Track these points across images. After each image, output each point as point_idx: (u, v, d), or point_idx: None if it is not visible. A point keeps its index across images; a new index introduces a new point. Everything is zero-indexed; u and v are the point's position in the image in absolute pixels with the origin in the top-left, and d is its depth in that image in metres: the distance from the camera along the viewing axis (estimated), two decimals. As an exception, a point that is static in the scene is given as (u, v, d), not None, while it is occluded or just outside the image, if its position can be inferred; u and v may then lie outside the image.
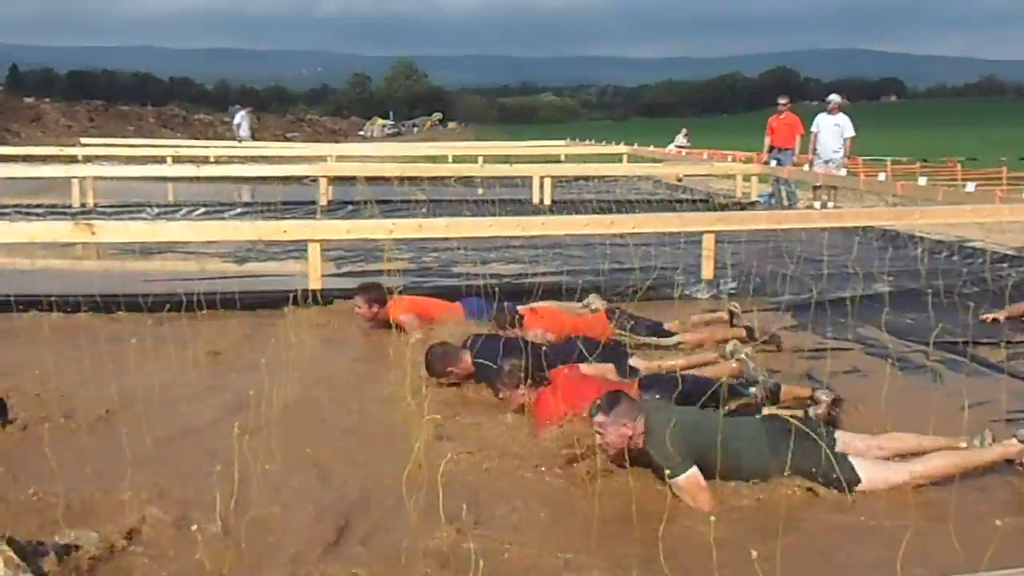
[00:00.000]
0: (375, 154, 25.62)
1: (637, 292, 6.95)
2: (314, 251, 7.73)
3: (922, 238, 10.09)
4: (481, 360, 4.80)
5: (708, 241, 8.24)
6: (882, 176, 13.36)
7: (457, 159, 23.37)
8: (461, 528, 3.21)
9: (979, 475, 3.74)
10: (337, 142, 42.37)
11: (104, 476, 3.67)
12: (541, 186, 15.30)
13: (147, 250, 9.89)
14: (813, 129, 15.01)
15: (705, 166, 18.48)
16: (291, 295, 6.87)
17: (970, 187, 10.51)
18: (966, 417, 3.92)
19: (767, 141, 15.77)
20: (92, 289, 6.84)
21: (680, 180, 19.25)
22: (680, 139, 29.08)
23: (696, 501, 3.29)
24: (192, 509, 3.37)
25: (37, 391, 4.73)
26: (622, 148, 24.07)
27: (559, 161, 23.00)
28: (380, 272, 8.57)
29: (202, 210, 13.97)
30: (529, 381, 4.29)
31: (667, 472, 3.33)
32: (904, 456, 3.70)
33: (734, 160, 18.67)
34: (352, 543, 3.24)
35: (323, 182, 15.09)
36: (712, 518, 2.82)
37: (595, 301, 6.65)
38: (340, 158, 22.10)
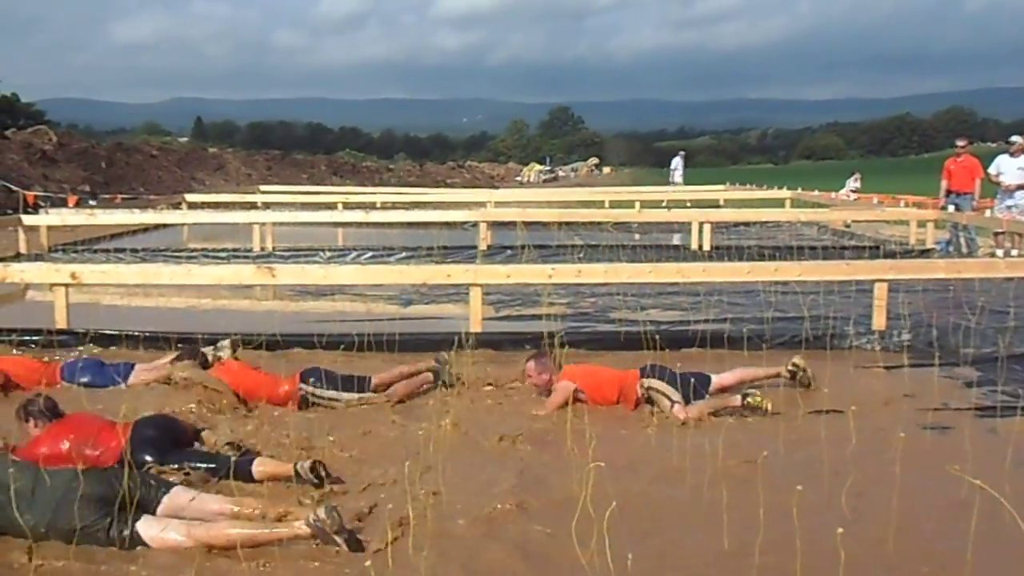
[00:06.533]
0: (533, 199, 26.06)
1: (804, 342, 6.71)
2: (475, 295, 7.91)
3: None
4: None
5: (880, 290, 7.84)
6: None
7: (614, 204, 23.50)
8: None
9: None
10: (495, 188, 43.35)
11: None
12: (700, 232, 15.10)
13: (320, 292, 10.44)
14: (992, 171, 14.20)
15: (875, 211, 17.70)
16: (455, 338, 7.02)
17: None
18: None
19: (943, 185, 15.01)
20: (272, 328, 7.25)
21: (848, 226, 18.55)
22: (851, 183, 28.21)
23: None
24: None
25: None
26: (785, 193, 23.48)
27: (718, 206, 22.70)
28: (538, 316, 8.69)
29: (369, 254, 14.59)
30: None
31: None
32: None
33: (907, 205, 17.81)
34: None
35: (483, 227, 15.45)
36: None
37: (224, 349, 6.27)
38: (498, 203, 22.63)
